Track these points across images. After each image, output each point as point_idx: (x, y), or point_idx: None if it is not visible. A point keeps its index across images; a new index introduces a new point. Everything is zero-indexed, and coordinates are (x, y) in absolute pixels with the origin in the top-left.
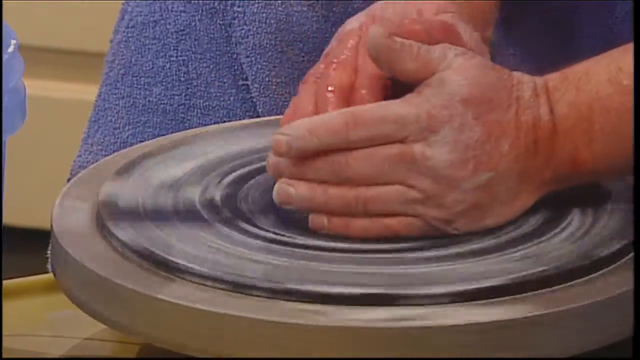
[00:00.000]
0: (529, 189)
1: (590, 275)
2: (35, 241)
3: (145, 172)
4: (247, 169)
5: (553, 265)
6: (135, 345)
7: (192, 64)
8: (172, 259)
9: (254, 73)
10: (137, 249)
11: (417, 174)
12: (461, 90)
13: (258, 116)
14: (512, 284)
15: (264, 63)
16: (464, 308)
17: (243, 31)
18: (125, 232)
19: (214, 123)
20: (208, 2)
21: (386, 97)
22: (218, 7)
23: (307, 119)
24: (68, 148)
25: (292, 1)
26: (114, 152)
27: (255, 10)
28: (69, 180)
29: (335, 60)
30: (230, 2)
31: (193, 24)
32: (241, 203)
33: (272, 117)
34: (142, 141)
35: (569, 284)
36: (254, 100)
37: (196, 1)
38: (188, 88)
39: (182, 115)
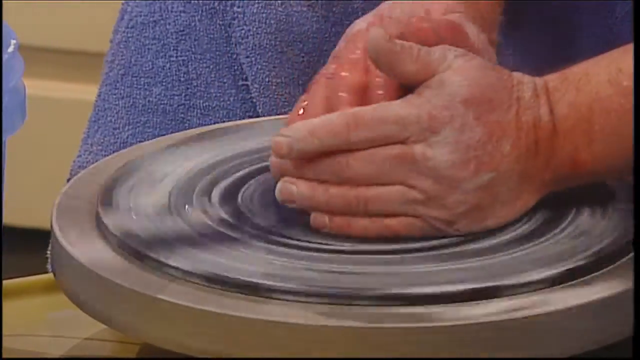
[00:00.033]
0: (530, 189)
1: (590, 275)
2: (35, 241)
3: (149, 176)
4: (247, 169)
5: (553, 265)
6: (135, 345)
7: (192, 64)
8: (263, 281)
9: (254, 73)
10: (187, 270)
11: (418, 174)
12: (462, 91)
13: (258, 116)
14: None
15: (264, 63)
16: (465, 308)
17: (243, 31)
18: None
19: (214, 123)
20: (208, 2)
21: (400, 97)
22: (218, 7)
23: (308, 120)
24: (68, 148)
25: (292, 1)
26: (113, 152)
27: (255, 11)
28: (68, 180)
29: (346, 61)
30: (230, 2)
31: (193, 24)
32: (250, 213)
33: (272, 117)
34: (142, 141)
35: (568, 283)
36: (254, 100)
37: (196, 1)
38: (188, 88)
39: (182, 115)
